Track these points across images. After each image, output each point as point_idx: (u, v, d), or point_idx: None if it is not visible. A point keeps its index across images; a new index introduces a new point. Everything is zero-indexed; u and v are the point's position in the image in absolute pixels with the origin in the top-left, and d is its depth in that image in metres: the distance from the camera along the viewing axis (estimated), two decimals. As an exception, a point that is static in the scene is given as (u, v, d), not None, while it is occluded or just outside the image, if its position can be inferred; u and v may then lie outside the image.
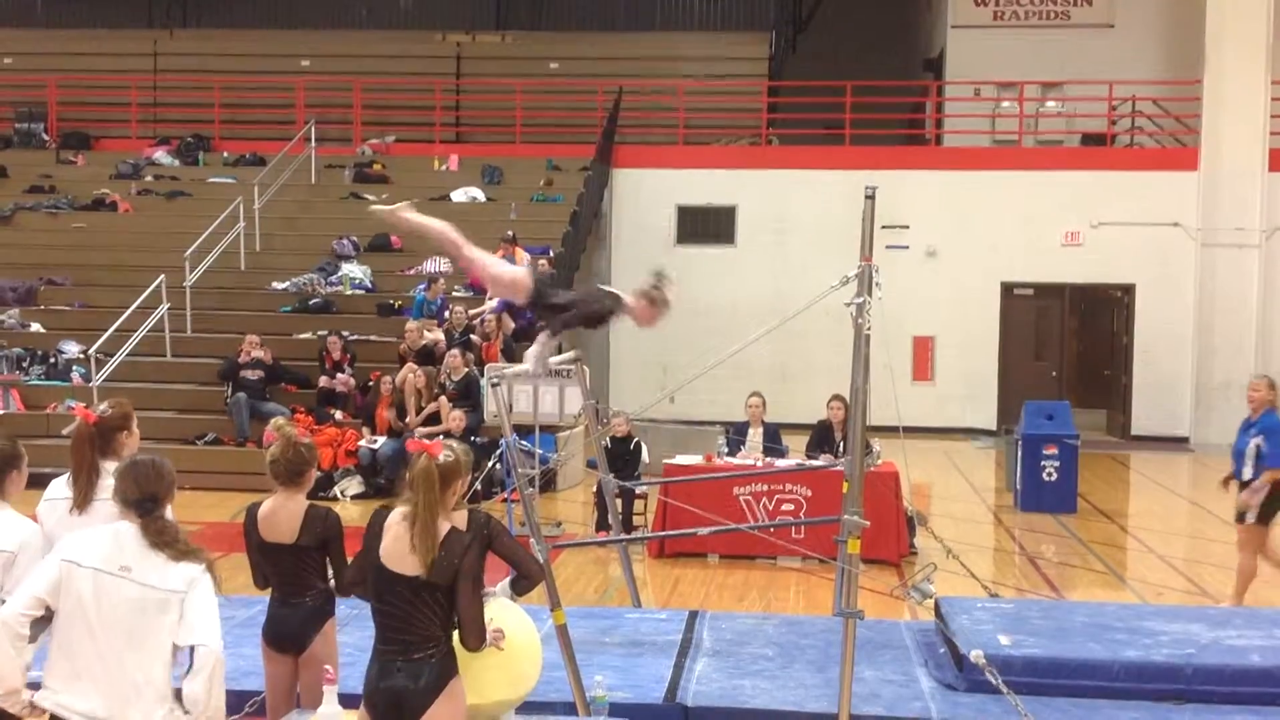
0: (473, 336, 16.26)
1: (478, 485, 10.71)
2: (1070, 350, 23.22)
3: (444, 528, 4.45)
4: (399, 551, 4.45)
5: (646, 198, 22.74)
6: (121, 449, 5.22)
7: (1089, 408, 22.33)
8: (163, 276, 17.33)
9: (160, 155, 23.23)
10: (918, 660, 7.86)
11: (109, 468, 5.10)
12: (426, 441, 4.62)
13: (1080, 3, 24.16)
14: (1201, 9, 21.75)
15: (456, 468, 4.51)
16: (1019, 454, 14.57)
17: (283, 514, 5.42)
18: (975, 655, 6.86)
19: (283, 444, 5.44)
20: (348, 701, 4.91)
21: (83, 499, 5.07)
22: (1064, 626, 7.95)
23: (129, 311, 16.85)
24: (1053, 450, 14.35)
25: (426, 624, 4.40)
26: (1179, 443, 21.42)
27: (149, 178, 22.45)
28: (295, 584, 5.46)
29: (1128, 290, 22.19)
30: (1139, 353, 22.05)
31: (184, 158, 23.32)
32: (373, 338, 17.43)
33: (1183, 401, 21.74)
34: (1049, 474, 14.36)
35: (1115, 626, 7.93)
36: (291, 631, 5.44)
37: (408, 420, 15.05)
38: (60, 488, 5.20)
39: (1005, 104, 23.48)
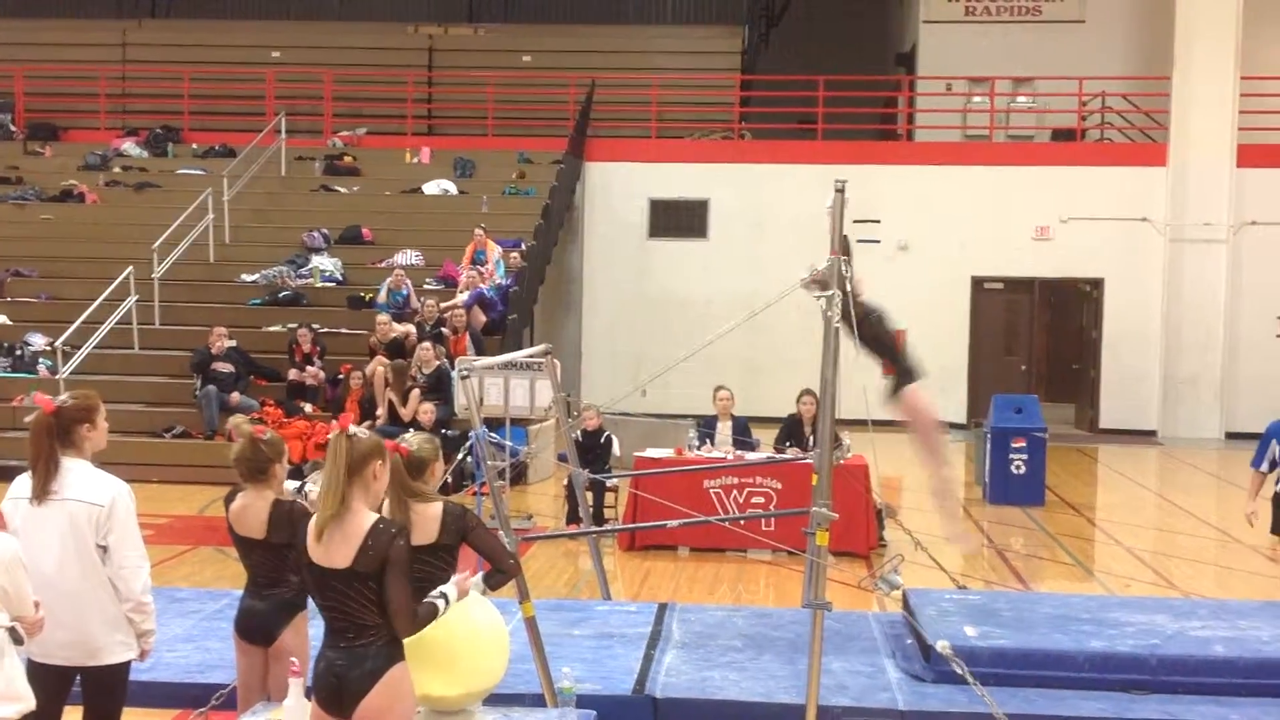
0: (443, 330, 16.23)
1: (448, 478, 10.71)
2: (1039, 344, 23.33)
3: (366, 519, 4.41)
4: (318, 545, 4.42)
5: (619, 191, 22.74)
6: (84, 442, 5.12)
7: (1058, 401, 22.46)
8: (131, 268, 17.22)
9: (129, 146, 23.08)
10: (885, 651, 7.89)
11: (70, 463, 5.06)
12: (344, 415, 4.63)
13: (1051, -2, 24.29)
14: (1171, 5, 21.88)
15: (369, 450, 4.47)
16: (988, 447, 14.65)
17: (252, 510, 5.41)
18: (942, 646, 6.89)
19: (244, 442, 5.43)
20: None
21: (40, 491, 5.00)
22: (1030, 618, 7.99)
23: (96, 303, 16.74)
24: (1021, 443, 14.43)
25: (362, 614, 4.39)
26: (1147, 436, 21.58)
27: (117, 169, 22.31)
28: (268, 577, 5.45)
29: (1096, 284, 22.33)
30: (1107, 347, 22.19)
31: (153, 149, 23.18)
32: (343, 330, 17.39)
33: (1150, 395, 21.90)
34: (1017, 467, 14.44)
35: (1081, 618, 7.98)
36: (261, 623, 5.43)
37: (377, 414, 15.00)
38: (24, 485, 5.10)
39: (976, 99, 23.58)
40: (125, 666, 5.16)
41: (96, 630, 5.03)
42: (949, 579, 9.86)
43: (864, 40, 27.01)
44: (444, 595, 4.62)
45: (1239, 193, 21.58)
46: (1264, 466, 9.46)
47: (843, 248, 7.28)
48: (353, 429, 4.50)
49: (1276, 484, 9.46)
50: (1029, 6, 24.39)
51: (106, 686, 5.13)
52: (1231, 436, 21.38)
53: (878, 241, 21.35)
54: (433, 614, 4.54)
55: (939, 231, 22.11)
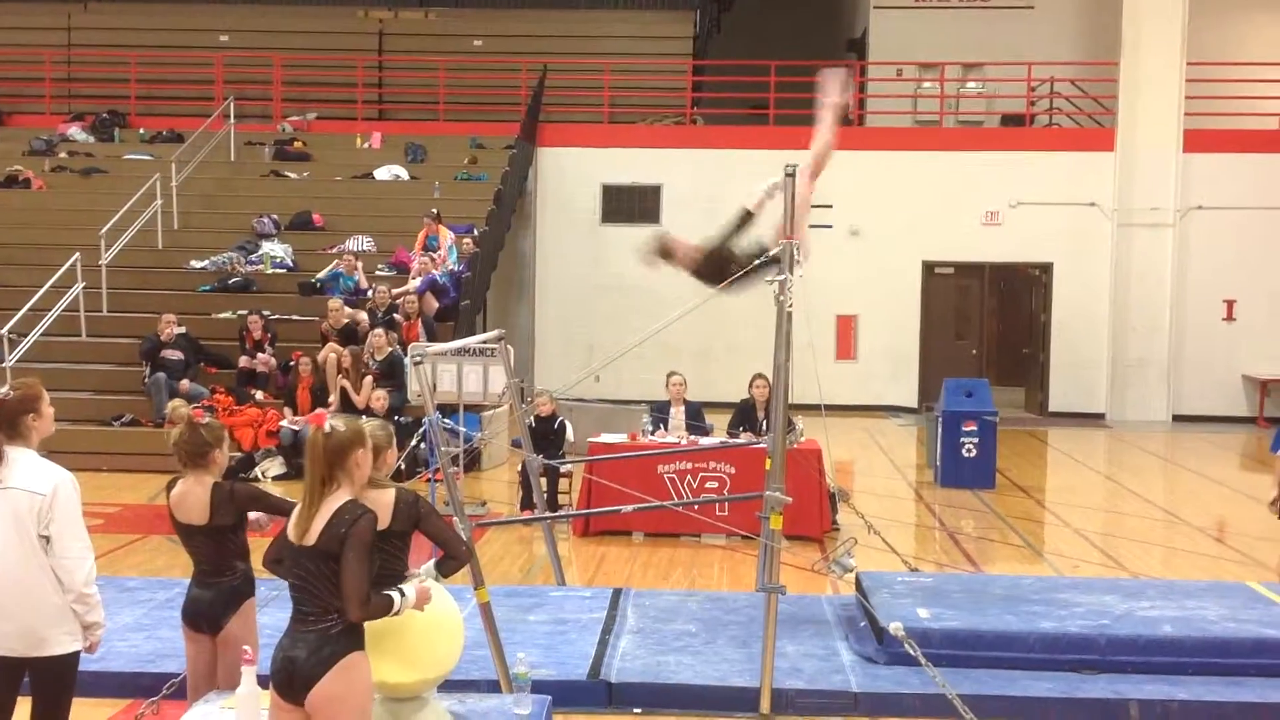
0: (395, 316, 16.15)
1: (401, 464, 10.68)
2: (990, 328, 23.52)
3: (339, 498, 4.45)
4: (294, 521, 4.48)
5: (571, 177, 22.68)
6: (30, 431, 5.08)
7: (1008, 385, 22.67)
8: (78, 255, 17.01)
9: (75, 131, 22.78)
10: (839, 634, 7.94)
11: (15, 453, 5.01)
12: (320, 412, 4.62)
13: (1000, -16, 24.44)
14: (1118, -8, 22.11)
15: (349, 440, 4.50)
16: (939, 431, 14.74)
17: (192, 496, 5.37)
18: (895, 628, 6.95)
19: (182, 427, 5.40)
20: (267, 682, 4.87)
21: None
22: (982, 599, 8.07)
23: (43, 290, 16.54)
24: (972, 427, 14.54)
25: (324, 595, 4.39)
26: (1095, 419, 21.82)
27: (63, 154, 22.02)
28: (213, 564, 5.41)
29: (1046, 269, 22.52)
30: (1056, 331, 22.39)
31: (99, 134, 22.90)
32: (294, 317, 17.24)
33: (1099, 379, 22.13)
34: (968, 450, 14.55)
35: (1032, 599, 8.06)
36: (207, 611, 5.39)
37: (329, 401, 14.92)
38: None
39: (927, 85, 23.70)
40: (73, 658, 5.10)
41: (42, 621, 4.98)
42: (901, 562, 9.93)
43: (815, 25, 27.08)
44: (401, 592, 4.59)
45: (1185, 177, 21.82)
46: None
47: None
48: (329, 424, 4.48)
49: None
50: (978, -8, 24.55)
51: (54, 678, 5.07)
52: (1179, 419, 21.68)
53: (829, 227, 21.42)
54: (387, 607, 4.52)
55: (890, 216, 22.21)
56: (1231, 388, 22.13)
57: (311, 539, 4.40)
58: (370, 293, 16.85)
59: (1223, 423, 21.35)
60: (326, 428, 4.46)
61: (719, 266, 7.52)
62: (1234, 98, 21.73)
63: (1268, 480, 9.61)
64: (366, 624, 4.52)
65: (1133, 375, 21.89)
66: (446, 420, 11.72)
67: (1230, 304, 22.10)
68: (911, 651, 6.73)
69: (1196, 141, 21.75)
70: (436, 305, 16.76)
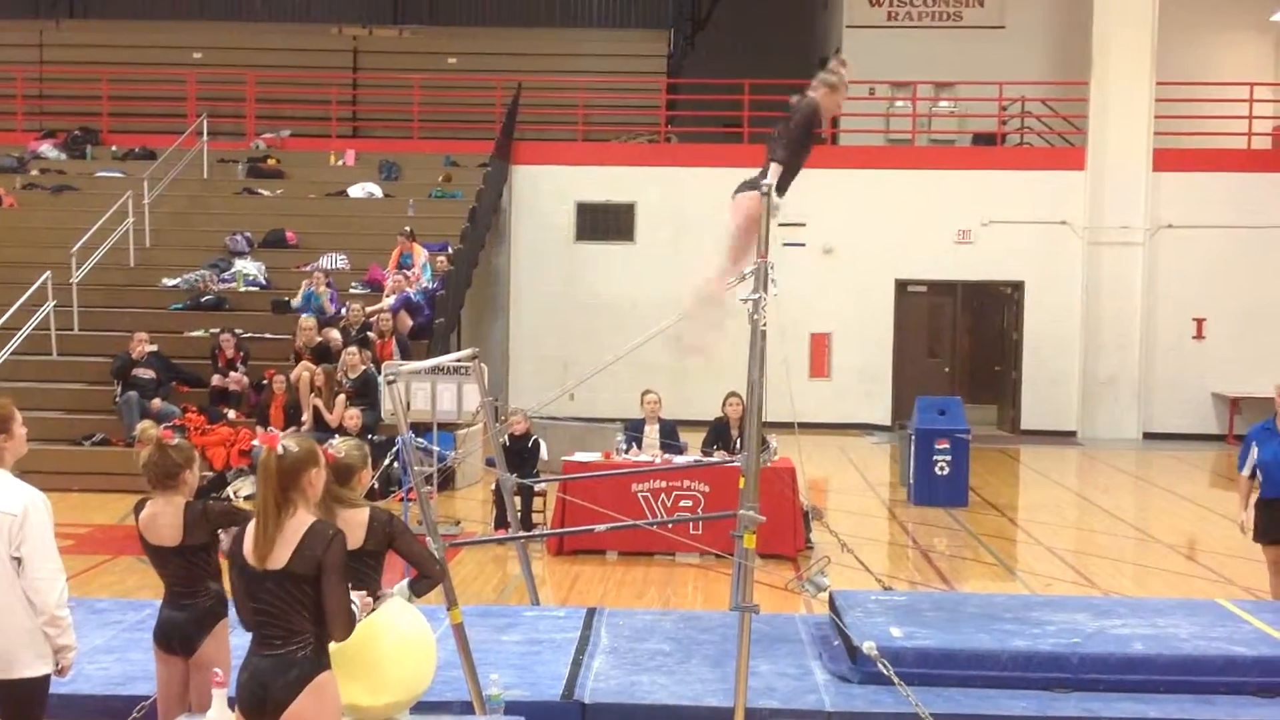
0: (369, 334, 16.12)
1: (375, 483, 10.64)
2: (962, 346, 23.62)
3: (303, 521, 4.41)
4: (253, 545, 4.42)
5: (546, 195, 22.71)
6: (2, 452, 5.06)
7: (980, 403, 22.74)
8: (49, 273, 16.92)
9: (46, 149, 22.67)
10: (812, 653, 7.94)
11: (-15, 476, 5.00)
12: (272, 433, 4.58)
13: (972, 4, 24.60)
14: (1089, 12, 22.26)
15: (301, 460, 4.44)
16: (912, 449, 14.79)
17: (163, 518, 5.35)
18: (868, 647, 6.95)
19: (152, 448, 5.38)
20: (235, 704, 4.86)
21: None
22: (955, 618, 8.08)
23: (13, 309, 16.45)
24: (945, 445, 14.59)
25: (293, 617, 4.36)
26: (1067, 437, 21.92)
27: (35, 172, 21.91)
28: (186, 586, 5.39)
29: (1017, 287, 22.64)
30: (1028, 348, 22.51)
31: (71, 151, 22.79)
32: (267, 335, 17.17)
33: (1070, 396, 22.25)
34: (941, 468, 14.60)
35: (1004, 617, 8.08)
36: (181, 633, 5.36)
37: (303, 419, 14.87)
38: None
39: (899, 103, 23.83)
40: (43, 681, 5.06)
41: (12, 643, 4.95)
42: (875, 580, 9.94)
43: (789, 44, 27.19)
44: (355, 604, 4.58)
45: (1155, 196, 21.99)
46: (1246, 471, 9.47)
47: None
48: (282, 447, 4.43)
49: (1259, 491, 9.32)
50: (950, 12, 24.70)
51: (24, 701, 5.03)
52: (1149, 436, 21.81)
53: (802, 245, 21.51)
54: (354, 622, 4.51)
55: (863, 235, 22.30)
56: (1201, 405, 22.28)
57: (278, 562, 4.35)
58: (344, 310, 16.80)
59: (1193, 440, 21.49)
60: (279, 449, 4.42)
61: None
62: (1203, 117, 21.93)
63: (1237, 498, 9.69)
64: (339, 646, 4.50)
65: (1104, 393, 22.02)
66: (420, 439, 11.73)
67: (1200, 322, 22.27)
68: (885, 670, 6.74)
69: (1166, 161, 21.93)
70: (410, 323, 16.74)
